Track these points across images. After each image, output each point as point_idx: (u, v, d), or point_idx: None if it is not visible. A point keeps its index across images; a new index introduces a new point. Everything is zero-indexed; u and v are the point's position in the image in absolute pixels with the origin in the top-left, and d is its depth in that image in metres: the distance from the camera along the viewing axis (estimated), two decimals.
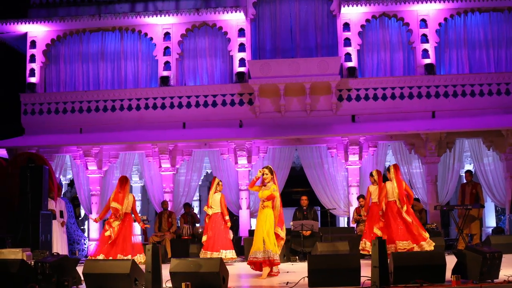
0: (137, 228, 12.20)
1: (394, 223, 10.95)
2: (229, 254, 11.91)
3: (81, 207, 17.38)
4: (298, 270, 10.09)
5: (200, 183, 17.47)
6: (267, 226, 9.44)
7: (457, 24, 16.39)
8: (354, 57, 16.25)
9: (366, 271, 7.92)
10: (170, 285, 7.84)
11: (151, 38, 16.85)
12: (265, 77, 15.78)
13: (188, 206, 15.49)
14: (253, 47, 16.65)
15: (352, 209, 14.96)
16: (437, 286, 7.42)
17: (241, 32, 16.56)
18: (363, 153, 15.66)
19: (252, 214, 15.89)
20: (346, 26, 16.36)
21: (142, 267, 8.15)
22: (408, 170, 15.83)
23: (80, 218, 18.38)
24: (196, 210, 18.06)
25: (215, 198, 12.24)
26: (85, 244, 16.23)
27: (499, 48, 16.29)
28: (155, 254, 7.72)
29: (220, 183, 12.56)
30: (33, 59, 17.12)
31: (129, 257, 10.54)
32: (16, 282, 7.77)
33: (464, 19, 16.34)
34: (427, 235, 10.80)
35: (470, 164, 16.93)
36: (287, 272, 9.97)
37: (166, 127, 16.31)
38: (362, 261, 8.18)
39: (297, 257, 12.61)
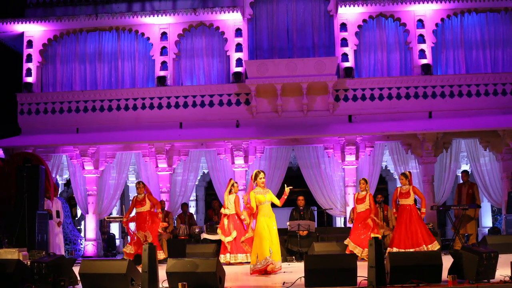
0: None
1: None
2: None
3: (78, 207, 17.36)
4: (295, 270, 10.10)
5: (196, 183, 17.46)
6: (273, 237, 9.79)
7: (453, 24, 16.40)
8: (351, 57, 16.25)
9: (362, 271, 7.92)
10: (167, 285, 7.84)
11: (148, 38, 16.83)
12: (262, 77, 15.78)
13: (185, 206, 15.49)
14: (250, 47, 16.64)
15: (348, 209, 14.97)
16: (433, 286, 7.43)
17: (238, 32, 16.55)
18: (360, 153, 15.68)
19: None
20: (343, 26, 16.36)
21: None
22: (404, 170, 15.82)
23: (76, 218, 18.36)
24: (192, 210, 18.05)
25: (230, 200, 12.67)
26: (81, 244, 16.22)
27: (496, 49, 16.30)
28: (151, 254, 7.71)
29: (235, 184, 12.92)
30: (29, 58, 17.09)
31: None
32: (13, 282, 7.76)
33: (461, 19, 16.35)
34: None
35: (467, 164, 16.95)
36: (284, 272, 9.97)
37: (163, 127, 16.30)
38: (358, 261, 8.19)
39: (293, 257, 12.61)
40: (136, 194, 12.64)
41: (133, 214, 12.68)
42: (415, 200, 11.90)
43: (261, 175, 10.02)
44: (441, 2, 15.96)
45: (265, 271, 9.60)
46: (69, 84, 17.14)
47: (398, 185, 12.55)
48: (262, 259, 9.56)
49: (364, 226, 11.96)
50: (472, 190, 14.32)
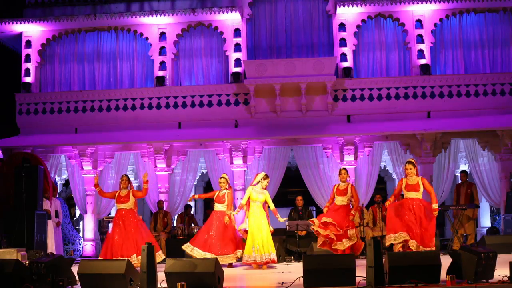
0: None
1: None
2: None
3: (76, 207, 17.35)
4: (294, 270, 10.09)
5: (195, 183, 17.46)
6: (267, 232, 10.94)
7: (452, 24, 16.42)
8: (349, 57, 16.26)
9: (361, 271, 7.93)
10: (165, 285, 7.84)
11: (147, 38, 16.83)
12: (261, 77, 15.78)
13: (189, 209, 15.47)
14: (248, 47, 16.64)
15: None
16: (432, 286, 7.43)
17: (237, 32, 16.55)
18: (359, 153, 15.68)
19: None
20: (342, 26, 16.37)
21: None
22: (403, 170, 15.75)
23: (75, 218, 18.35)
24: (191, 210, 18.03)
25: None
26: (80, 244, 16.21)
27: (494, 49, 16.32)
28: (150, 254, 7.70)
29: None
30: (28, 59, 17.08)
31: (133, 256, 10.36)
32: (11, 282, 7.75)
33: (460, 19, 16.37)
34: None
35: (465, 164, 16.96)
36: (283, 272, 9.97)
37: (161, 127, 16.30)
38: (357, 261, 8.19)
39: (292, 257, 12.61)
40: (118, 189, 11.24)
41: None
42: None
43: (268, 180, 11.24)
44: (439, 2, 15.98)
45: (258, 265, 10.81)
46: (68, 84, 17.13)
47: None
48: (250, 253, 10.82)
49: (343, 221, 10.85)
50: (471, 190, 14.32)
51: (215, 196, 11.87)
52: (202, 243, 11.39)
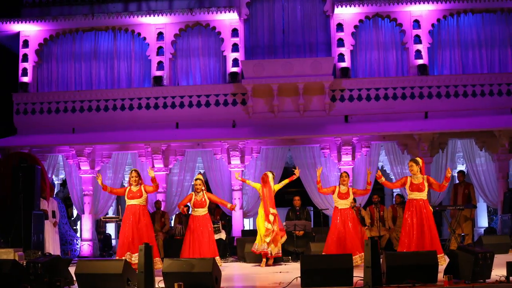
0: None
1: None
2: None
3: (74, 207, 17.33)
4: (291, 270, 10.10)
5: (193, 183, 17.43)
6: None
7: (450, 24, 16.43)
8: (347, 57, 16.26)
9: (359, 271, 7.93)
10: (163, 285, 7.83)
11: (144, 38, 16.82)
12: (258, 77, 15.78)
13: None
14: (246, 47, 16.63)
15: None
16: (429, 286, 7.45)
17: (235, 32, 16.55)
18: (356, 154, 15.69)
19: (245, 215, 15.90)
20: (339, 27, 16.37)
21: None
22: (401, 171, 15.86)
23: (72, 218, 18.33)
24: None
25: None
26: (77, 244, 16.18)
27: (492, 49, 16.33)
28: (147, 254, 7.70)
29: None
30: (25, 58, 17.05)
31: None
32: (8, 282, 7.75)
33: (457, 20, 16.39)
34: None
35: (463, 164, 16.97)
36: (280, 272, 9.98)
37: (159, 127, 16.29)
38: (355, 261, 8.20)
39: (290, 257, 12.61)
40: (127, 186, 10.64)
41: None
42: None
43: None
44: (437, 3, 15.99)
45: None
46: (65, 84, 17.09)
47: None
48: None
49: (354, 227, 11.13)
50: (468, 190, 14.33)
51: (192, 201, 11.07)
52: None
